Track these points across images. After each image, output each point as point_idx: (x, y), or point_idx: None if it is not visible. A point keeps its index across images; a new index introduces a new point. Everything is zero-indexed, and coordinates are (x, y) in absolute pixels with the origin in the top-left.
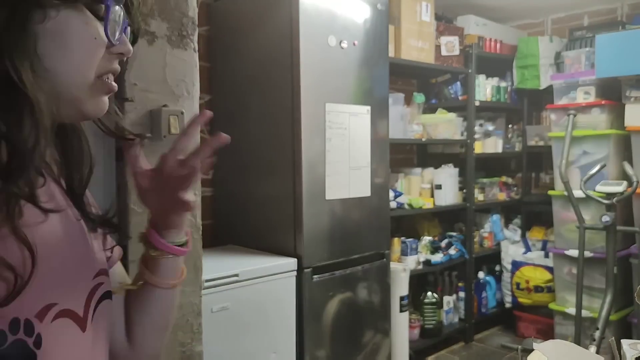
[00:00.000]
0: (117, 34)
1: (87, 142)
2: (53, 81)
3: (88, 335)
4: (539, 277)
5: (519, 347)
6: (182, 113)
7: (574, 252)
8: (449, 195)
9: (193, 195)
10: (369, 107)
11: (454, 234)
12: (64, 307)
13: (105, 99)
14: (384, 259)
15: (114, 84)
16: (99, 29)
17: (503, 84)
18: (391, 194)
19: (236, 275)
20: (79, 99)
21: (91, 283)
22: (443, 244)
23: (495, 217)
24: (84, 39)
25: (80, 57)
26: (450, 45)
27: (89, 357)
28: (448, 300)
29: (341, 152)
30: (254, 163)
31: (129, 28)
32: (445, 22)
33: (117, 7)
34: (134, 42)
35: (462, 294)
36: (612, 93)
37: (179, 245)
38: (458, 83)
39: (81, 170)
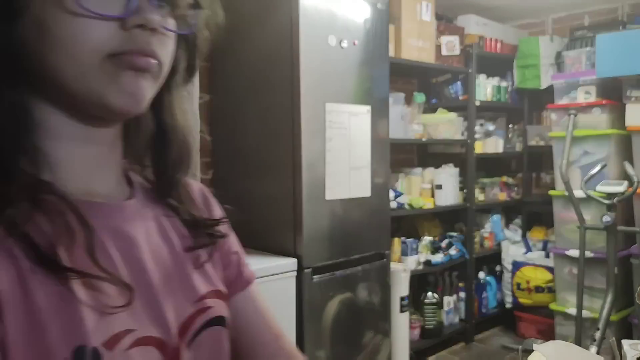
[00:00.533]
0: (116, 5)
1: (178, 138)
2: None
3: None
4: (540, 277)
5: (520, 347)
6: None
7: (574, 253)
8: (450, 195)
9: None
10: (369, 107)
11: (454, 234)
12: (145, 334)
13: (133, 82)
14: (384, 259)
15: (140, 59)
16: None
17: (504, 84)
18: (391, 194)
19: None
20: (91, 92)
21: (190, 307)
22: (443, 244)
23: (496, 217)
24: (62, 22)
25: (63, 44)
26: (451, 44)
27: None
28: (448, 300)
29: (341, 152)
30: (254, 163)
31: None
32: (445, 21)
33: None
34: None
35: (462, 295)
36: (612, 93)
37: None
38: (458, 83)
39: (167, 169)
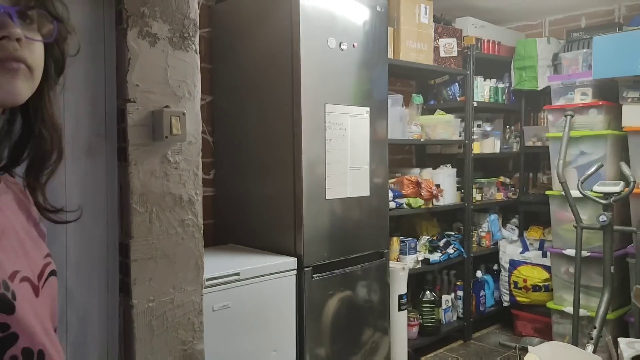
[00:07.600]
0: None
1: (51, 136)
2: None
3: (40, 300)
4: (537, 276)
5: (517, 345)
6: (184, 114)
7: (571, 252)
8: (447, 195)
9: None
10: (368, 108)
11: (452, 233)
12: (25, 274)
13: (9, 81)
14: (383, 258)
15: (11, 64)
16: None
17: (501, 85)
18: (390, 194)
19: (237, 274)
20: None
21: (42, 261)
22: (441, 243)
23: (493, 216)
24: None
25: None
26: (449, 46)
27: (40, 317)
28: (446, 299)
29: (341, 152)
30: (254, 163)
31: (20, 9)
32: (443, 24)
33: None
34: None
35: (460, 293)
36: (609, 94)
37: None
38: (456, 84)
39: (38, 164)
